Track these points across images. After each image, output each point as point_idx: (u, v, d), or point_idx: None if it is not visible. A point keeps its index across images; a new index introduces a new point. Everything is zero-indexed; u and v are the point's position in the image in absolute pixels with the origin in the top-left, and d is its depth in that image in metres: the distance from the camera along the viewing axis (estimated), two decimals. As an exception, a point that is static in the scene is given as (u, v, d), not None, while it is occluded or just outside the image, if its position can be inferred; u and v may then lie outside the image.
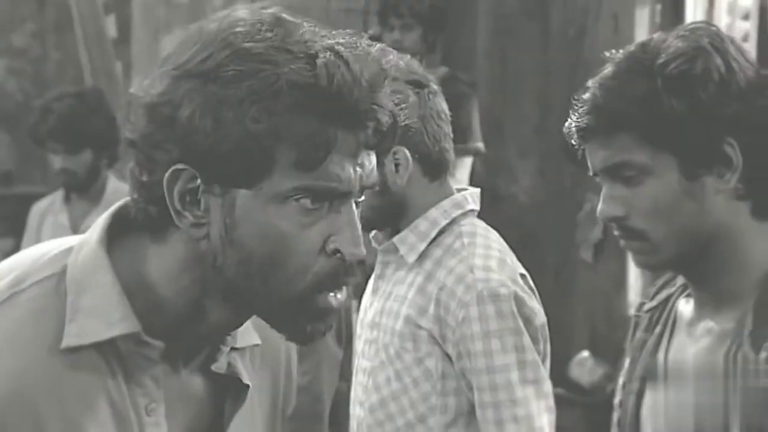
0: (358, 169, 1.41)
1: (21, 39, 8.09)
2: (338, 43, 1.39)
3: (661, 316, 1.91)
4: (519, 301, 2.48)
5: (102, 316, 1.42)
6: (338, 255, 1.41)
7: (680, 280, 1.89)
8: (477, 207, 2.65)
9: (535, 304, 2.53)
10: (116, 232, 1.48)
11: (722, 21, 5.27)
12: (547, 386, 2.54)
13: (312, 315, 1.43)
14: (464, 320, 2.48)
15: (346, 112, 1.38)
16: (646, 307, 1.97)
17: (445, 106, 2.62)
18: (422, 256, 2.59)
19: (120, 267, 1.45)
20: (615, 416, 1.93)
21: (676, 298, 1.90)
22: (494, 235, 2.62)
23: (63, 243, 1.50)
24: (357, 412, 2.69)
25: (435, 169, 2.59)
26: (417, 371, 2.55)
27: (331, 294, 1.43)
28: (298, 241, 1.39)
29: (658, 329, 1.90)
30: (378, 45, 1.46)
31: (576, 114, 1.84)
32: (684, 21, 5.28)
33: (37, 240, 4.72)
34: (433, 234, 2.59)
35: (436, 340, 2.53)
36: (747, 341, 1.74)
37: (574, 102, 1.86)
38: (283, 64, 1.36)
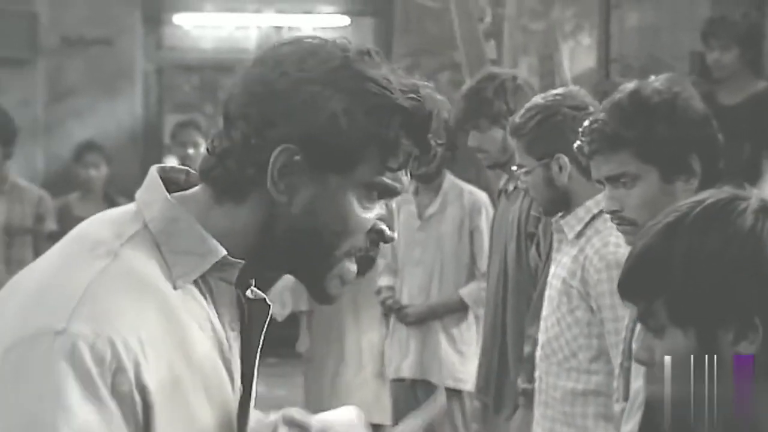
0: (408, 177, 1.70)
1: (458, 56, 9.33)
2: (415, 83, 1.66)
3: None
4: None
5: (194, 253, 1.63)
6: (377, 235, 1.69)
7: None
8: None
9: None
10: (170, 189, 1.67)
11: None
12: None
13: (341, 277, 1.69)
14: (599, 282, 3.29)
15: (424, 137, 1.67)
16: None
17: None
18: (579, 235, 3.42)
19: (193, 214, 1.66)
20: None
21: None
22: None
23: (114, 211, 1.69)
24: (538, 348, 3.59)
25: (588, 171, 3.14)
26: (570, 318, 3.38)
27: (354, 263, 1.69)
28: (361, 221, 1.67)
29: None
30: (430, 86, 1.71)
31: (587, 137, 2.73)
32: None
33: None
34: (587, 218, 3.43)
35: (582, 296, 3.34)
36: None
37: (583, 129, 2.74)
38: (395, 91, 1.64)
